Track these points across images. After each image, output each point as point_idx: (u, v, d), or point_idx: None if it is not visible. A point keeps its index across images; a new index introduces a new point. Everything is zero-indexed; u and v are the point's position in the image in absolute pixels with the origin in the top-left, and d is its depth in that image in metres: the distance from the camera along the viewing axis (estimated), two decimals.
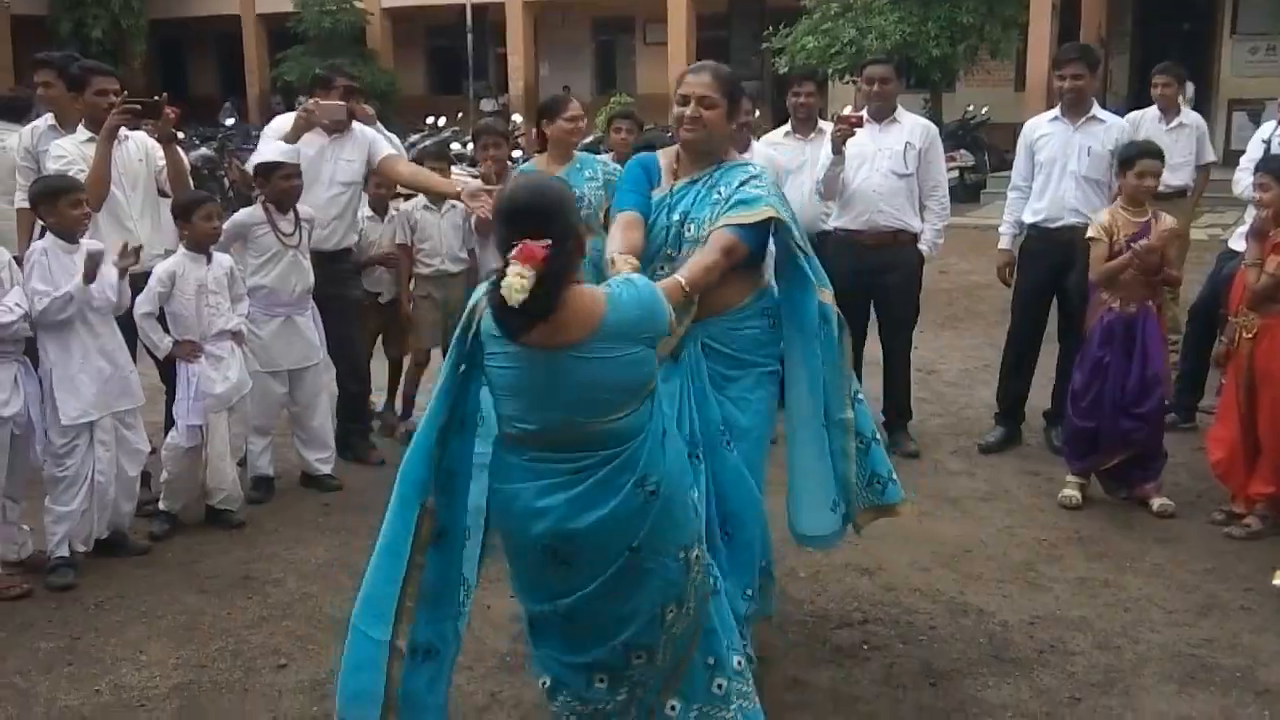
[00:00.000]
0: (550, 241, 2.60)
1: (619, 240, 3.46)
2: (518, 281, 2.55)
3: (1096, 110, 5.92)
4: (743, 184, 3.50)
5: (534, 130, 6.20)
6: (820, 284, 3.57)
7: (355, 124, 5.90)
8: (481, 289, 2.83)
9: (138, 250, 4.75)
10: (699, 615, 2.99)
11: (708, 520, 3.43)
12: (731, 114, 3.57)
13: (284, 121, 5.85)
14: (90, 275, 4.50)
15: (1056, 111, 5.99)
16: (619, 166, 6.06)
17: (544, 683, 3.05)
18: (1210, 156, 8.02)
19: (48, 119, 5.69)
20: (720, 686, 3.05)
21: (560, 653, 2.97)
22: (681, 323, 3.39)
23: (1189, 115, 8.00)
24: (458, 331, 2.87)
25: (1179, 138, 7.70)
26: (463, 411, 2.94)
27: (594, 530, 2.78)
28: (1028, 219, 6.03)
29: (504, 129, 6.83)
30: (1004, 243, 6.20)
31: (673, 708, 3.02)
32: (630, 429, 2.79)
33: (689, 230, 3.52)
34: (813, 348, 3.60)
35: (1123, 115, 6.52)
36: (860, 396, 3.73)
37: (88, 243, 4.60)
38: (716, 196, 3.51)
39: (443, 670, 3.04)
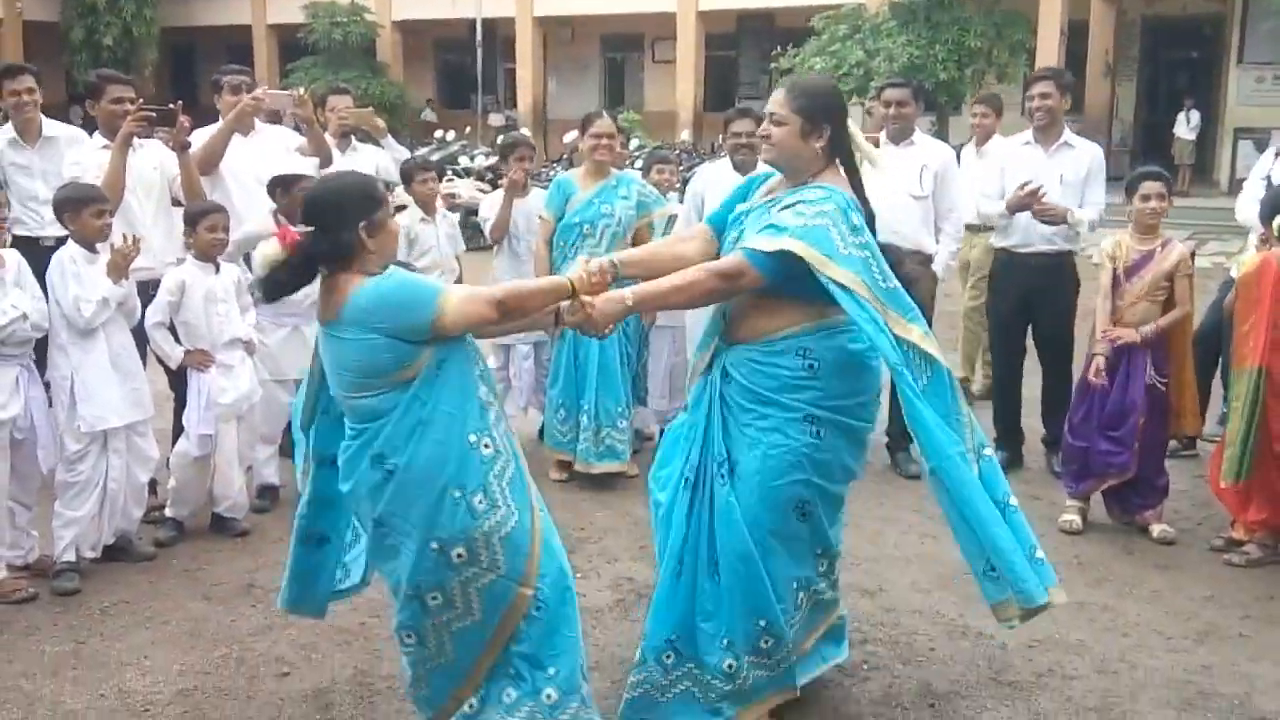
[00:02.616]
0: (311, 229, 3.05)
1: (651, 247, 3.71)
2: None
3: (1068, 135, 5.95)
4: (788, 207, 3.27)
5: (544, 146, 6.27)
6: (903, 318, 3.22)
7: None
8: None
9: (135, 241, 4.71)
10: (485, 620, 3.09)
11: (696, 551, 3.43)
12: (807, 134, 3.35)
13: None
14: (120, 272, 4.56)
15: (1028, 136, 5.99)
16: (653, 189, 6.11)
17: None
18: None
19: (8, 131, 5.68)
20: (509, 695, 3.15)
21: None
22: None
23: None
24: None
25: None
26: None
27: (350, 495, 3.16)
28: (997, 243, 6.06)
29: (532, 142, 6.92)
30: (998, 207, 5.90)
31: (470, 705, 3.17)
32: (376, 409, 3.03)
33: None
34: (904, 389, 3.18)
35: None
36: (987, 454, 3.31)
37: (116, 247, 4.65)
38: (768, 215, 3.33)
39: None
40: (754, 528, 3.37)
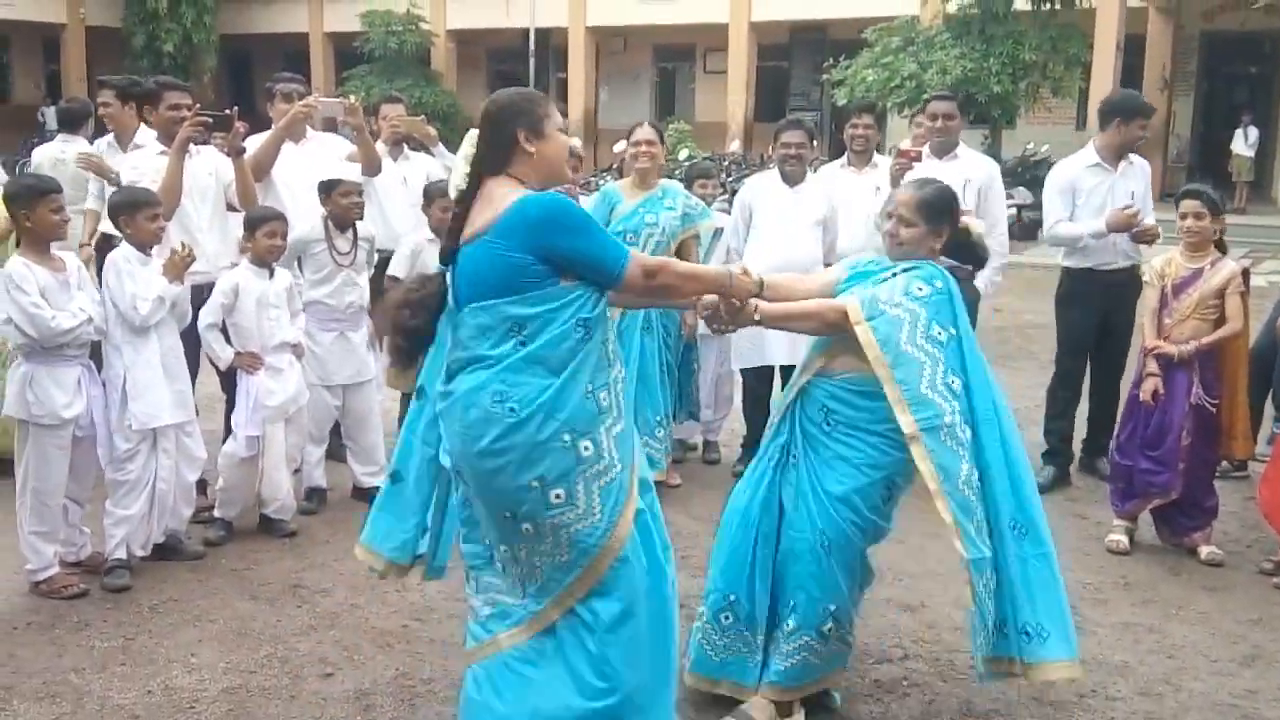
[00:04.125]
0: None
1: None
2: None
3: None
4: None
5: (594, 155, 6.27)
6: None
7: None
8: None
9: (189, 250, 4.80)
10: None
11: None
12: None
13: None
14: (178, 274, 4.66)
15: (1095, 158, 5.97)
16: (700, 202, 6.10)
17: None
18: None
19: (108, 137, 5.88)
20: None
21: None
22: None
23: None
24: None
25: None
26: None
27: None
28: (1073, 264, 6.02)
29: (580, 151, 6.96)
30: (1093, 227, 5.86)
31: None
32: None
33: None
34: None
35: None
36: None
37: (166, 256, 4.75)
38: None
39: None
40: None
